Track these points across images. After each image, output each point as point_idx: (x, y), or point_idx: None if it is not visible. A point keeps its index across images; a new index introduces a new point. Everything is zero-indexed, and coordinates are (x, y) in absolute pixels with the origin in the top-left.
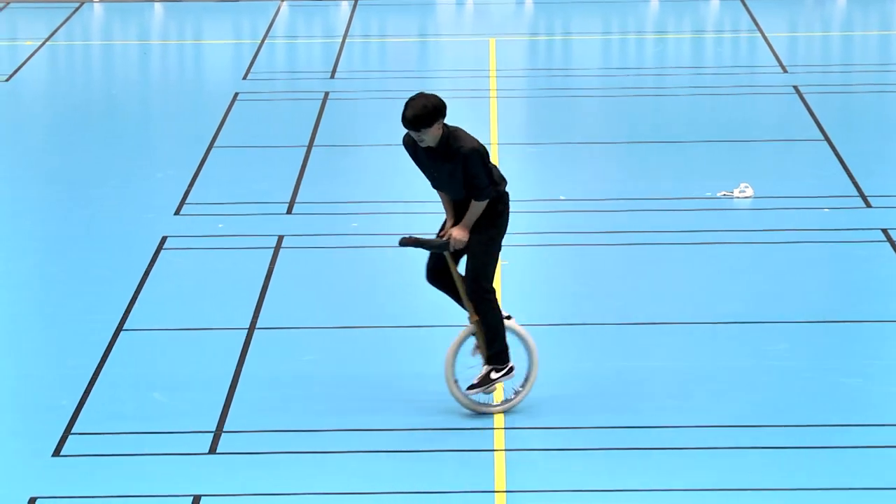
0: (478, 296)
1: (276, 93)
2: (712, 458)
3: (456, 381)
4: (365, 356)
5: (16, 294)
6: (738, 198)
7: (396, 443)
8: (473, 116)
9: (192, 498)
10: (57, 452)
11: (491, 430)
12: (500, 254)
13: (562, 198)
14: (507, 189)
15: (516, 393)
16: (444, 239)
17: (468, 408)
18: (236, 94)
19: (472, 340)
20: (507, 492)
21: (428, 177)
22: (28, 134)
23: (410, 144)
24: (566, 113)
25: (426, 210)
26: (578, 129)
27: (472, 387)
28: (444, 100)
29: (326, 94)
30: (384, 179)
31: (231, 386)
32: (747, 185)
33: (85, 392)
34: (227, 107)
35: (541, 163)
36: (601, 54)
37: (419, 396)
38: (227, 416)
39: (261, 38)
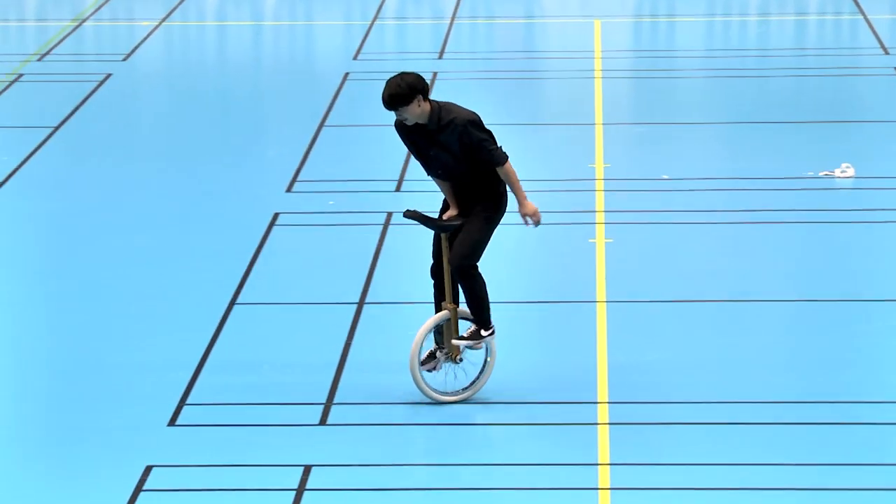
0: (464, 271)
1: (385, 73)
2: (817, 433)
3: (421, 364)
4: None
5: (135, 268)
6: (840, 178)
7: (499, 415)
8: (578, 97)
9: (302, 468)
10: (172, 422)
11: (595, 405)
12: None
13: (665, 177)
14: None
15: (472, 384)
16: (457, 221)
17: (424, 393)
18: (347, 75)
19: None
20: (610, 465)
21: (424, 163)
22: (144, 112)
23: (401, 127)
24: (669, 94)
25: (532, 189)
26: (681, 109)
27: (460, 338)
28: (549, 80)
29: (435, 74)
30: None
31: (341, 359)
32: (848, 165)
33: (199, 364)
34: (337, 87)
35: (644, 142)
36: (704, 36)
37: (523, 369)
38: (336, 388)
39: (371, 19)
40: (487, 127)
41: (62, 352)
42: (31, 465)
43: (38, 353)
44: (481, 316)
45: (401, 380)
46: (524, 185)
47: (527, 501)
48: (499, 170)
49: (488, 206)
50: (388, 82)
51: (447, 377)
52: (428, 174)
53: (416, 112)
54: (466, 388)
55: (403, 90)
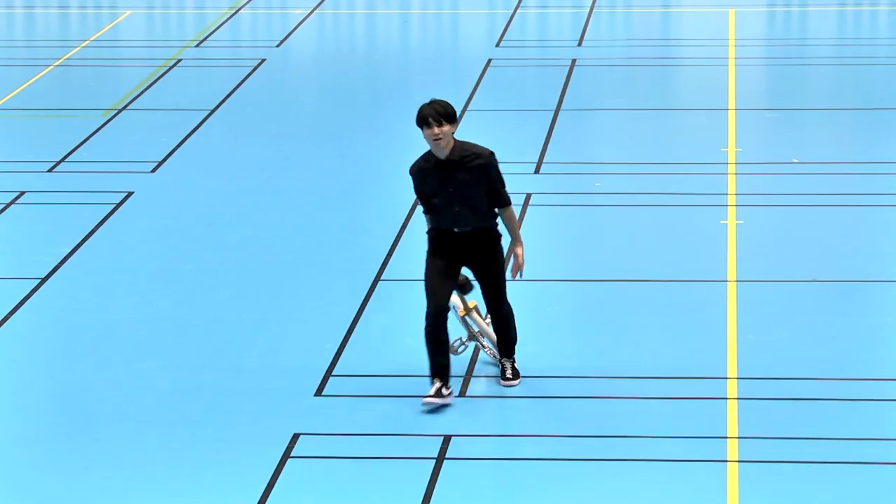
0: (506, 309)
1: (526, 59)
2: None
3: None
4: (604, 307)
5: (285, 243)
6: None
7: (632, 390)
8: (712, 83)
9: (442, 437)
10: (319, 392)
11: (724, 380)
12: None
13: (795, 160)
14: None
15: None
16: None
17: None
18: (489, 61)
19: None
20: (738, 438)
21: (438, 201)
22: (296, 96)
23: (420, 169)
24: (801, 81)
25: (666, 171)
26: (813, 96)
27: (509, 380)
28: (685, 67)
29: (574, 60)
30: (626, 142)
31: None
32: None
33: (345, 337)
34: (480, 72)
35: (777, 127)
36: (836, 25)
37: (654, 346)
38: (475, 360)
39: (513, 8)
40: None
41: (214, 323)
42: (188, 431)
43: (193, 322)
44: (514, 346)
45: (536, 354)
46: (661, 168)
47: (655, 472)
48: (507, 209)
49: (499, 248)
50: (434, 101)
51: None
52: (439, 219)
53: (451, 134)
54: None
55: (453, 109)
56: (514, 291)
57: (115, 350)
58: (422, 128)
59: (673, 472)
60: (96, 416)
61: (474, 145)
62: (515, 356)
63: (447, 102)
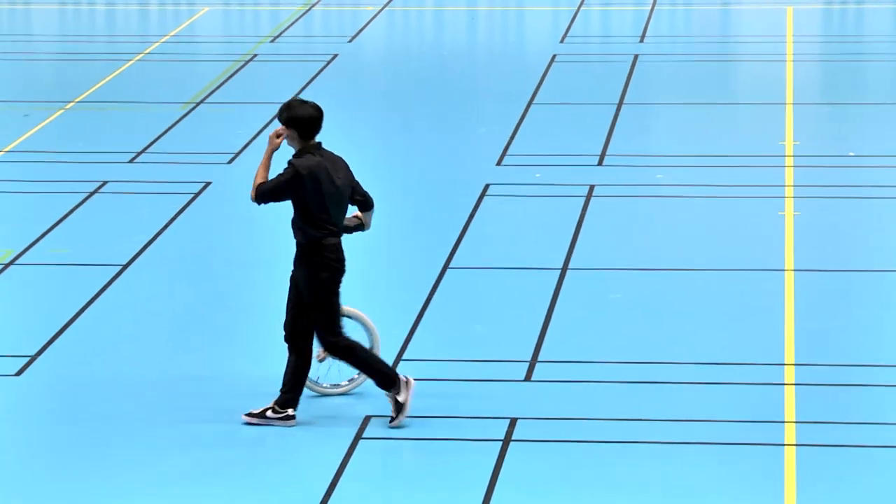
0: (330, 343)
1: (589, 55)
2: None
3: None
4: (665, 295)
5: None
6: None
7: (692, 375)
8: (770, 79)
9: (508, 420)
10: None
11: (782, 366)
12: None
13: (851, 153)
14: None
15: (351, 380)
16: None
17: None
18: (554, 56)
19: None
20: (796, 422)
21: (340, 205)
22: (367, 90)
23: (318, 170)
24: (857, 76)
25: (725, 164)
26: (868, 91)
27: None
28: (743, 62)
29: (636, 56)
30: (687, 135)
31: (545, 320)
32: None
33: (415, 322)
34: (545, 68)
35: (833, 121)
36: (891, 22)
37: (713, 332)
38: (541, 346)
39: (577, 5)
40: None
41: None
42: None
43: (267, 309)
44: (380, 376)
45: (600, 339)
46: (720, 160)
47: (714, 455)
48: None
49: (309, 270)
50: (309, 102)
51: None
52: (338, 221)
53: (292, 136)
54: (342, 384)
55: (284, 108)
56: (579, 279)
57: (189, 336)
58: None
59: (732, 455)
60: (171, 400)
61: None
62: (396, 390)
63: (286, 104)
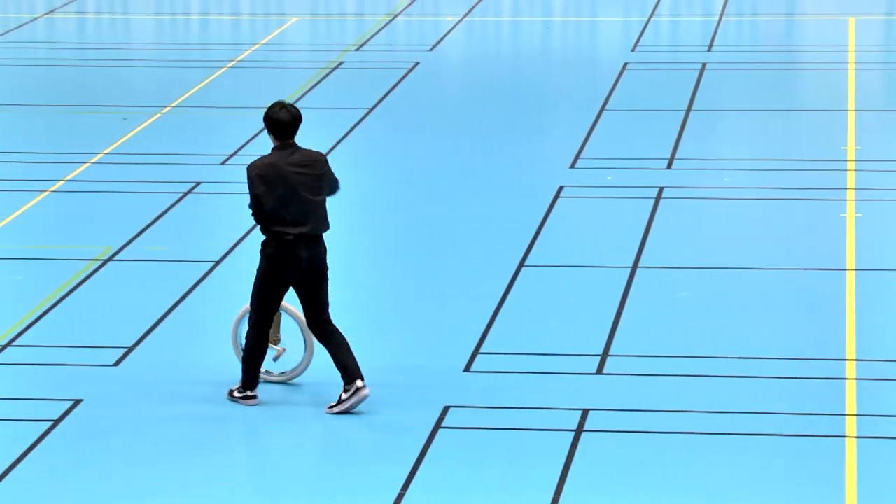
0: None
1: (659, 63)
2: None
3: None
4: (730, 293)
5: (437, 230)
6: None
7: (756, 369)
8: (832, 86)
9: (581, 411)
10: (467, 368)
11: (843, 361)
12: None
13: None
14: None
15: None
16: None
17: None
18: (625, 65)
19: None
20: (857, 416)
21: (291, 201)
22: (447, 96)
23: (266, 169)
24: None
25: (789, 168)
26: None
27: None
28: (806, 71)
29: (704, 64)
30: (752, 140)
31: (616, 315)
32: None
33: (491, 318)
34: (616, 75)
35: (893, 127)
36: None
37: (776, 329)
38: (612, 341)
39: (648, 15)
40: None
41: (368, 303)
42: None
43: (350, 303)
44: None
45: (668, 335)
46: (784, 164)
47: (778, 447)
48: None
49: (260, 261)
50: (289, 106)
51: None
52: (290, 217)
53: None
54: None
55: (266, 113)
56: (648, 277)
57: None
58: None
59: (795, 447)
60: (262, 389)
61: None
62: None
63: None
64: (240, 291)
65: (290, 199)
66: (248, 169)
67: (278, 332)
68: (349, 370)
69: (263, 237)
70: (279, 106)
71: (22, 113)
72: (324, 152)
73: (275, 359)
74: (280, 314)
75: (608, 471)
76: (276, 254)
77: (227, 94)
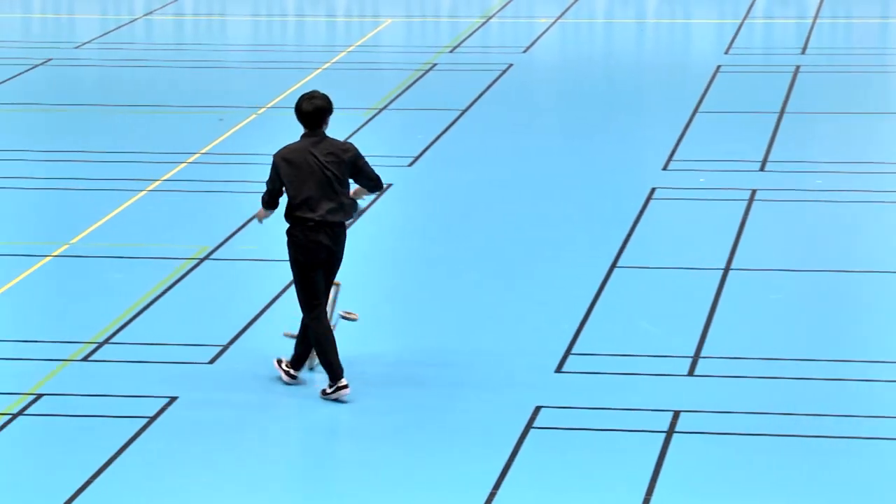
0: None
1: (753, 66)
2: None
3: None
4: (825, 295)
5: (531, 231)
6: None
7: (851, 372)
8: None
9: (672, 413)
10: (559, 369)
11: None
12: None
13: None
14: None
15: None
16: None
17: None
18: (718, 67)
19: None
20: None
21: (314, 187)
22: (541, 97)
23: (292, 155)
24: None
25: (882, 170)
26: None
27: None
28: (888, 73)
29: (797, 67)
30: (845, 143)
31: (708, 317)
32: None
33: (583, 319)
34: (709, 78)
35: None
36: None
37: (868, 329)
38: (704, 343)
39: (741, 17)
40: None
41: (461, 303)
42: (439, 399)
43: (442, 303)
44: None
45: (760, 337)
46: (877, 167)
47: (882, 450)
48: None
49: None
50: (317, 97)
51: None
52: (309, 203)
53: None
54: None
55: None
56: (740, 279)
57: (363, 327)
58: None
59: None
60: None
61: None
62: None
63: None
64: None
65: (314, 185)
66: (273, 155)
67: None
68: (301, 359)
69: (287, 224)
70: (306, 97)
71: (121, 114)
72: (415, 155)
73: (344, 316)
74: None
75: (699, 472)
76: (300, 239)
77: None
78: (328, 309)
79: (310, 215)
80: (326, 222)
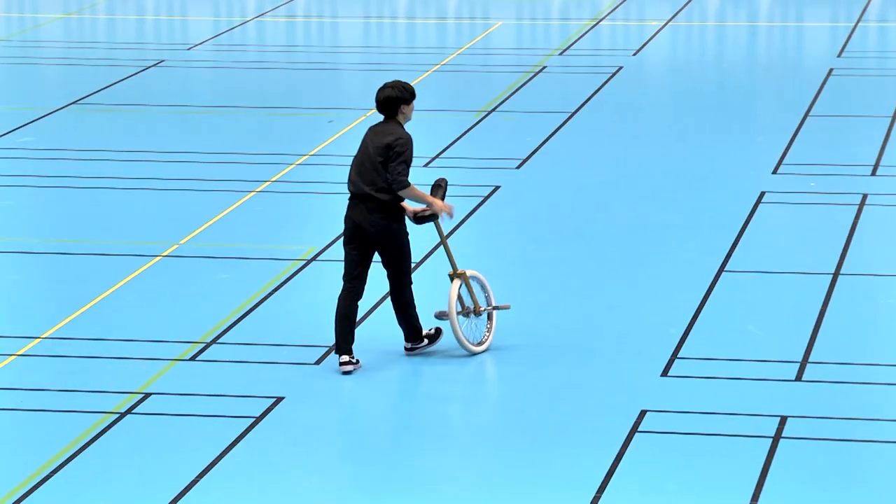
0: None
1: (865, 69)
2: None
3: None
4: None
5: (640, 235)
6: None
7: None
8: None
9: (779, 418)
10: (665, 373)
11: None
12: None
13: None
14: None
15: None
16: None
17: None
18: (831, 70)
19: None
20: None
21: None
22: (651, 101)
23: (364, 139)
24: None
25: None
26: None
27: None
28: None
29: None
30: None
31: (817, 322)
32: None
33: (690, 322)
34: (822, 81)
35: None
36: None
37: None
38: (812, 348)
39: (855, 20)
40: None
41: (567, 308)
42: (544, 404)
43: (548, 307)
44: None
45: (871, 343)
46: None
47: None
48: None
49: None
50: (390, 87)
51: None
52: (355, 181)
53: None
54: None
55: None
56: (850, 284)
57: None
58: (411, 103)
59: None
60: (452, 395)
61: None
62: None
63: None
64: (438, 289)
65: (359, 162)
66: None
67: (473, 296)
68: (415, 330)
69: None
70: (382, 86)
71: (231, 115)
72: (523, 157)
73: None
74: (471, 282)
75: (807, 478)
76: (346, 214)
77: (432, 98)
78: (451, 300)
79: (350, 188)
80: (359, 195)
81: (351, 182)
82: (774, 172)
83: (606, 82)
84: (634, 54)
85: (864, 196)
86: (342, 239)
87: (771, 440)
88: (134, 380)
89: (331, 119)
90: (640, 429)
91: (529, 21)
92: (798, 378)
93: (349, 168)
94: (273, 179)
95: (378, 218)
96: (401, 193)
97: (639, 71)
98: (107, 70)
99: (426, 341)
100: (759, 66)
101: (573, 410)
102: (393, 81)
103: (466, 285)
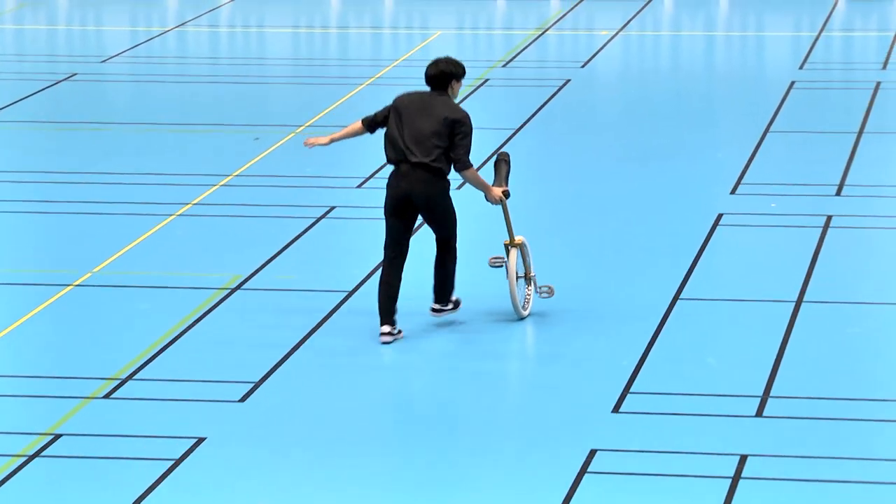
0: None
1: (829, 82)
2: None
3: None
4: None
5: (583, 260)
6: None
7: None
8: None
9: (738, 457)
10: (616, 409)
11: None
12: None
13: None
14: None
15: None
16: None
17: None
18: (792, 83)
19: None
20: None
21: (408, 139)
22: (600, 115)
23: (402, 105)
24: None
25: None
26: None
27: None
28: None
29: (878, 83)
30: None
31: (779, 353)
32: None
33: (643, 354)
34: (783, 94)
35: None
36: None
37: None
38: (773, 381)
39: (818, 30)
40: None
41: (518, 338)
42: (488, 442)
43: (501, 337)
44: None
45: (837, 376)
46: None
47: None
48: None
49: None
50: (441, 62)
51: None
52: (400, 151)
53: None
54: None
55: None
56: (814, 312)
57: (439, 352)
58: (461, 80)
59: None
60: (423, 422)
61: None
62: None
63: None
64: (373, 323)
65: (416, 130)
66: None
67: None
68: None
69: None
70: (434, 61)
71: (149, 133)
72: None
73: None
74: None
75: None
76: (389, 182)
77: (364, 113)
78: (510, 268)
79: (406, 159)
80: (407, 163)
81: (402, 150)
82: (733, 192)
83: (553, 96)
84: (583, 66)
85: (829, 218)
86: (383, 210)
87: (730, 480)
88: (43, 420)
89: (257, 137)
90: (589, 469)
91: (471, 31)
92: (759, 414)
93: (388, 138)
94: (195, 202)
95: (432, 187)
96: (461, 174)
97: (588, 84)
98: (15, 84)
99: (451, 306)
100: (717, 78)
101: (516, 449)
102: (444, 56)
103: (522, 254)
